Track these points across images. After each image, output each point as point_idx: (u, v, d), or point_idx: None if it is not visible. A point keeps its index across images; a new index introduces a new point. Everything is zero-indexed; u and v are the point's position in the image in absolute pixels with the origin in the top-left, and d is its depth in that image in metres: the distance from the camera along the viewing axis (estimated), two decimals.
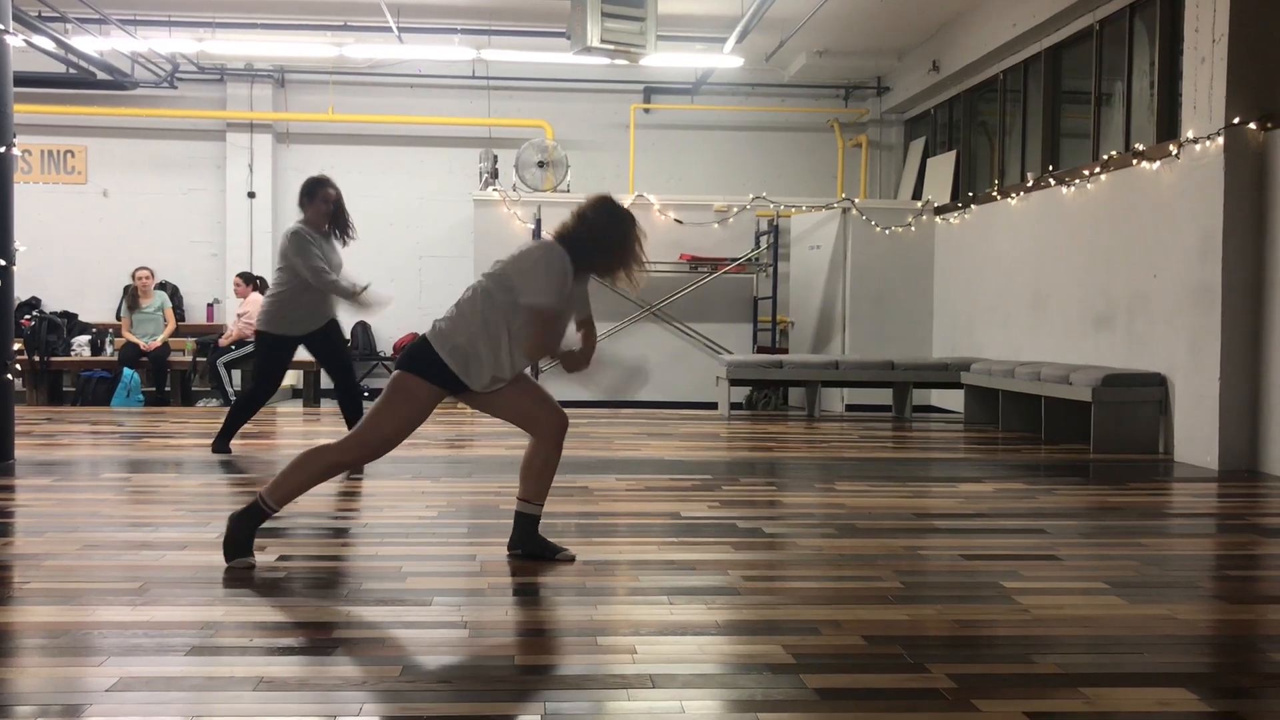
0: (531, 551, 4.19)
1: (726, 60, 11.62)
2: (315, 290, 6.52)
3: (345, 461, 3.99)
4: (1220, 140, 7.00)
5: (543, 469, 4.15)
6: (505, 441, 8.15)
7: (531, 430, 4.15)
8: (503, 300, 3.92)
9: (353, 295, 6.60)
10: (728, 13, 10.93)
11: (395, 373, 3.98)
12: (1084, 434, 8.26)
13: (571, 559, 4.16)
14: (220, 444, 7.14)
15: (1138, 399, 7.82)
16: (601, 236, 3.98)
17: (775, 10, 10.35)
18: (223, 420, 7.26)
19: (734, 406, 11.18)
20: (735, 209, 11.96)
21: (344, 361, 6.93)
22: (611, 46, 8.84)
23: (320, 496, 5.65)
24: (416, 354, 3.95)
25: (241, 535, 4.00)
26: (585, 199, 4.07)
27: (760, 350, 12.10)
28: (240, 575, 3.92)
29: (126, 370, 11.44)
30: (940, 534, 4.90)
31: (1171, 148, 7.67)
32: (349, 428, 7.20)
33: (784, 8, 10.44)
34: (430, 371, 3.91)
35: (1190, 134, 7.31)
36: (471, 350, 3.91)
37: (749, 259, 11.95)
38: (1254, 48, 6.95)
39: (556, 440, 4.13)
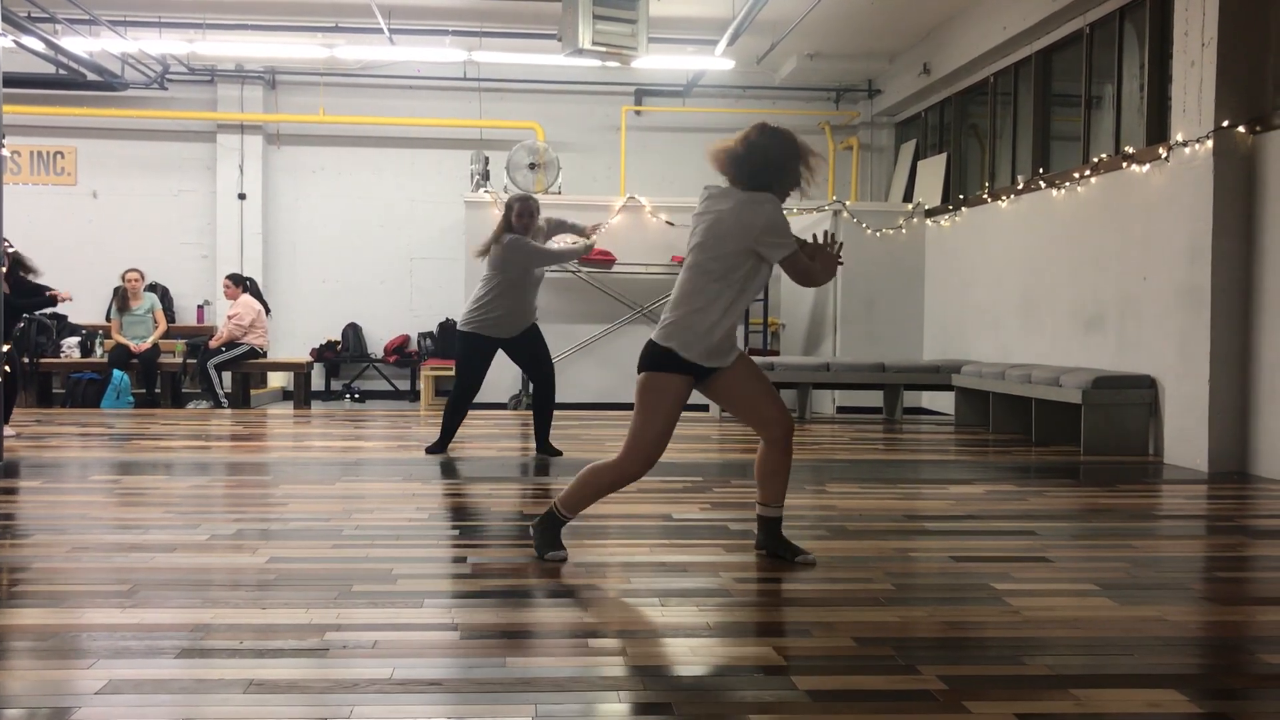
0: (774, 551, 4.29)
1: (718, 63, 11.62)
2: (514, 295, 7.07)
3: (629, 473, 4.11)
4: (1209, 143, 7.02)
5: (775, 473, 4.25)
6: (497, 444, 8.15)
7: (760, 429, 4.24)
8: (717, 269, 4.05)
9: (587, 246, 7.65)
10: (719, 15, 10.95)
11: (639, 376, 4.08)
12: (1074, 436, 8.27)
13: (812, 563, 4.21)
14: (439, 446, 7.38)
15: (1127, 401, 7.84)
16: (780, 164, 4.14)
17: (766, 13, 10.36)
18: (440, 424, 7.47)
19: None
20: None
21: (544, 371, 7.34)
22: (603, 49, 8.83)
23: (313, 499, 5.64)
24: (645, 352, 4.09)
25: (545, 539, 4.22)
26: (745, 132, 4.15)
27: (751, 352, 12.10)
28: (244, 578, 3.92)
29: (116, 372, 11.40)
30: (931, 536, 4.91)
31: (1161, 151, 7.69)
32: (537, 439, 7.38)
33: (775, 10, 10.46)
34: (660, 362, 4.04)
35: (1179, 137, 7.33)
36: (684, 325, 4.03)
37: None
38: (1243, 51, 6.97)
39: (785, 444, 4.22)
